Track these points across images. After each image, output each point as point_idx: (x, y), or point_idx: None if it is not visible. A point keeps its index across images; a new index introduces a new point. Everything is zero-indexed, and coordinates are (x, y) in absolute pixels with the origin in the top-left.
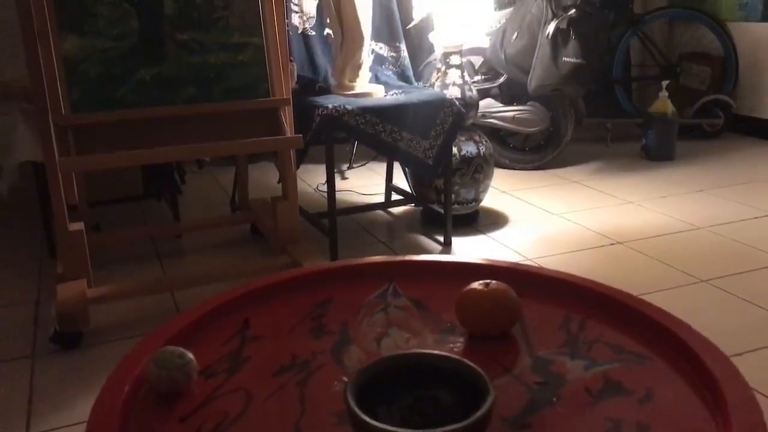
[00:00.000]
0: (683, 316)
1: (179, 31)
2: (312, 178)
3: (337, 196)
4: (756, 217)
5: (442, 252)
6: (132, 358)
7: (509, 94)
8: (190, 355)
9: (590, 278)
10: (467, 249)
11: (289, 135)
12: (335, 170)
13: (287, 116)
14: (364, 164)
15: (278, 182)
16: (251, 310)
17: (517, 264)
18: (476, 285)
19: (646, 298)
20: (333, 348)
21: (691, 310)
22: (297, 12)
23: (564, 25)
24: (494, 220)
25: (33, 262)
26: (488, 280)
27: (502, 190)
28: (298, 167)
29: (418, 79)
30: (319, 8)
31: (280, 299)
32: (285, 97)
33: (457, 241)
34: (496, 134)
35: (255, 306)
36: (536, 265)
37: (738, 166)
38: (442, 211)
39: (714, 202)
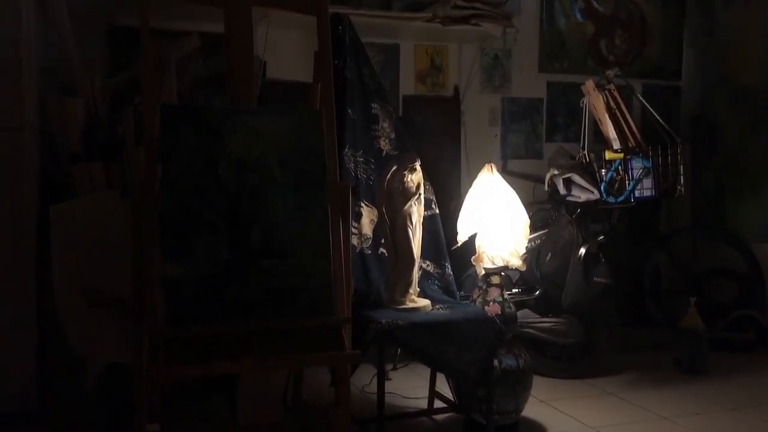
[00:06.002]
0: None
1: (262, 258)
2: (356, 379)
3: None
4: None
5: None
6: None
7: (545, 306)
8: None
9: None
10: None
11: (348, 350)
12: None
13: (346, 331)
14: (407, 365)
15: (330, 385)
16: None
17: None
18: None
19: None
20: None
21: None
22: (356, 234)
23: (594, 250)
24: None
25: None
26: None
27: (540, 399)
28: (352, 374)
29: (459, 289)
30: (375, 231)
31: None
32: (347, 316)
33: None
34: (534, 343)
35: None
36: None
37: None
38: (483, 421)
39: (749, 423)
